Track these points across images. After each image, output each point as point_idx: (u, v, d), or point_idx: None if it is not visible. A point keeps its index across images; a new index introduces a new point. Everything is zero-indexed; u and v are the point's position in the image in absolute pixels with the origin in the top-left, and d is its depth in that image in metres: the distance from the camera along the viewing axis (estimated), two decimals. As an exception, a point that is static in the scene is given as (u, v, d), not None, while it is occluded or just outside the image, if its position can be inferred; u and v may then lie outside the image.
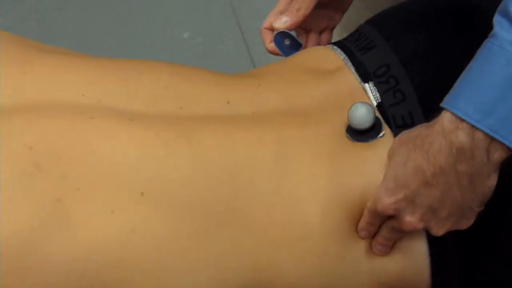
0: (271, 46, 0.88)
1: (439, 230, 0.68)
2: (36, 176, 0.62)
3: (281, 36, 0.87)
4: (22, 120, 0.65)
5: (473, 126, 0.61)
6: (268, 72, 0.82)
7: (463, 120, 0.61)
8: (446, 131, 0.62)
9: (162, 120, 0.70)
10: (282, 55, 0.89)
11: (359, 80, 0.78)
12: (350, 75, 0.79)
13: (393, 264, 0.73)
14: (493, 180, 0.64)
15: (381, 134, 0.73)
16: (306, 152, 0.72)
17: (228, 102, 0.75)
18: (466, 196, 0.65)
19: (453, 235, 0.69)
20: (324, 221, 0.71)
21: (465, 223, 0.68)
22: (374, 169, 0.71)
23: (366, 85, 0.77)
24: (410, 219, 0.67)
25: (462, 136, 0.62)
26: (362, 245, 0.72)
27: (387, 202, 0.68)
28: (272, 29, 0.88)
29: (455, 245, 0.73)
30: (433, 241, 0.72)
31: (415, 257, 0.73)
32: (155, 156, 0.67)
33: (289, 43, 0.88)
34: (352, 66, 0.79)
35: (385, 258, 0.73)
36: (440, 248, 0.72)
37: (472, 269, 0.75)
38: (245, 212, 0.69)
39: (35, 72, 0.71)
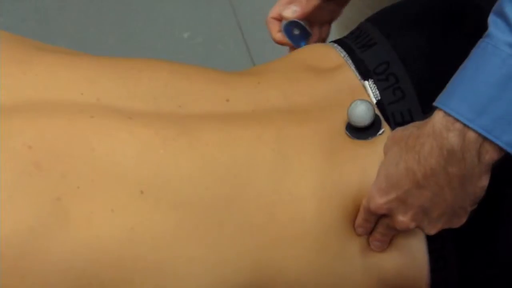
0: (279, 36, 0.87)
1: (431, 230, 0.68)
2: (36, 175, 0.62)
3: (290, 26, 0.86)
4: (21, 119, 0.65)
5: (465, 126, 0.61)
6: (268, 70, 0.82)
7: (455, 120, 0.61)
8: (437, 132, 0.62)
9: (161, 118, 0.70)
10: (290, 46, 0.88)
11: (359, 77, 0.78)
12: (350, 73, 0.79)
13: (391, 261, 0.73)
14: (484, 181, 0.64)
15: (380, 132, 0.73)
16: (306, 149, 0.72)
17: (228, 100, 0.75)
18: (457, 197, 0.65)
19: (452, 233, 0.69)
20: (323, 218, 0.71)
21: (458, 222, 0.68)
22: (373, 167, 0.71)
23: (366, 82, 0.77)
24: (402, 219, 0.68)
25: (452, 138, 0.61)
26: (360, 242, 0.72)
27: (379, 202, 0.68)
28: (279, 19, 0.87)
29: (454, 242, 0.73)
30: (431, 239, 0.72)
31: (414, 254, 0.73)
32: (155, 154, 0.67)
33: (298, 32, 0.87)
34: (352, 63, 0.79)
35: (383, 254, 0.73)
36: (439, 245, 0.72)
37: (471, 266, 0.75)
38: (245, 210, 0.69)
39: (35, 71, 0.70)
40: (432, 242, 0.72)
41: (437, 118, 0.63)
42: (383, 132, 0.73)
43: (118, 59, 0.77)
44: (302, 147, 0.72)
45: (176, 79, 0.75)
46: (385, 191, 0.67)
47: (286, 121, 0.74)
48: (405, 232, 0.71)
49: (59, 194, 0.62)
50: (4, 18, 1.91)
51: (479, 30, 0.65)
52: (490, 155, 0.62)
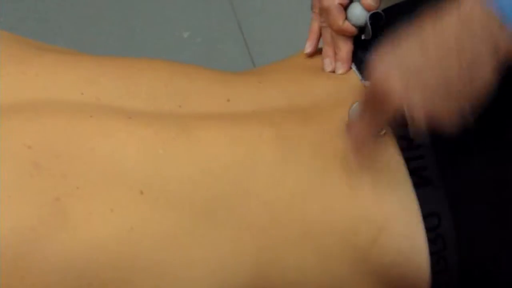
0: (348, 25, 0.80)
1: (416, 109, 0.64)
2: (35, 176, 0.62)
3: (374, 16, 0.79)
4: (21, 119, 0.65)
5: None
6: (269, 70, 0.83)
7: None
8: (464, 12, 0.61)
9: (161, 118, 0.70)
10: (352, 34, 0.81)
11: (360, 77, 0.78)
12: (351, 73, 0.79)
13: (392, 263, 0.73)
14: (490, 75, 0.62)
15: (381, 132, 0.73)
16: (306, 149, 0.72)
17: (228, 100, 0.75)
18: (459, 78, 0.62)
19: (454, 234, 0.69)
20: (323, 219, 0.71)
21: (446, 115, 0.64)
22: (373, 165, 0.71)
23: (367, 82, 0.77)
24: (395, 84, 0.64)
25: (478, 15, 0.59)
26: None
27: (379, 67, 0.65)
28: (346, 6, 0.80)
29: (455, 244, 0.72)
30: (433, 240, 0.72)
31: (414, 256, 0.73)
32: (155, 154, 0.67)
33: (370, 23, 0.79)
34: (353, 63, 0.79)
35: (384, 257, 0.72)
36: (440, 247, 0.72)
37: (473, 269, 0.74)
38: (244, 210, 0.69)
39: (35, 71, 0.70)
40: (433, 243, 0.72)
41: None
42: (384, 133, 0.73)
43: (118, 58, 0.77)
44: (303, 147, 0.72)
45: (177, 79, 0.75)
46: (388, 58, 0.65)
47: (287, 121, 0.74)
48: (408, 233, 0.71)
49: (58, 194, 0.62)
50: (4, 18, 1.91)
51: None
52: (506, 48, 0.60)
